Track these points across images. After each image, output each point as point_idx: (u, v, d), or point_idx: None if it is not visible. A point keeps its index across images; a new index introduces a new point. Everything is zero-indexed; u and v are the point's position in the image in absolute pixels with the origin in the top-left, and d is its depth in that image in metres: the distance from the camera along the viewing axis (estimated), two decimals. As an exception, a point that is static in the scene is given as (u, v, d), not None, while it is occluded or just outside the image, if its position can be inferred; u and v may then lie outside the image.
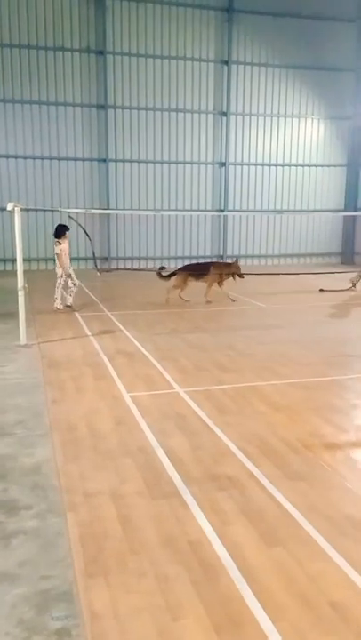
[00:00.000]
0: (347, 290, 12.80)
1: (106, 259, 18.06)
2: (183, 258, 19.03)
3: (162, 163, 18.45)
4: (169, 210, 18.29)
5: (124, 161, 18.14)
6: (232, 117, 18.74)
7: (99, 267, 10.04)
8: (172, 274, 11.33)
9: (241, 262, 19.20)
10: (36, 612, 2.55)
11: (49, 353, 7.30)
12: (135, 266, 17.58)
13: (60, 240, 10.13)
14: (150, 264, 18.59)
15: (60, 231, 10.22)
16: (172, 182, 18.62)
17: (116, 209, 17.93)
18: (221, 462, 4.14)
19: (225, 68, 18.40)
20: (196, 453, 4.29)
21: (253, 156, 19.24)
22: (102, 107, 17.58)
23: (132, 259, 17.81)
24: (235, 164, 19.09)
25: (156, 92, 17.99)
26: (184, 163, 18.66)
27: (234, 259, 12.34)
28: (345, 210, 19.94)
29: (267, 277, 14.83)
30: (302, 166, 19.72)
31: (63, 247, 10.13)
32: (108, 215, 17.79)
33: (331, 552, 3.02)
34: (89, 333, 8.49)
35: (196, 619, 2.52)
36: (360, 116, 19.42)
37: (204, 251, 19.33)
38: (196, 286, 11.28)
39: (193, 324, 9.28)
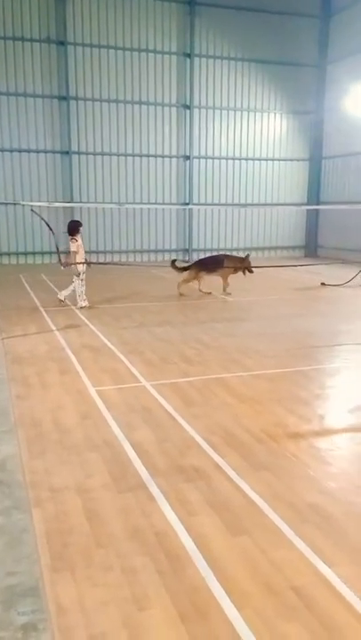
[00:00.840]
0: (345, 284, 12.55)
1: (69, 252, 17.84)
2: (149, 252, 19.03)
3: (125, 155, 18.34)
4: (133, 203, 18.21)
5: (87, 153, 17.96)
6: (196, 110, 18.75)
7: (62, 261, 9.92)
8: (186, 268, 11.48)
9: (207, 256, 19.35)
10: (1, 608, 2.53)
11: (12, 349, 7.19)
12: (100, 260, 17.44)
13: (75, 237, 9.88)
14: (116, 257, 18.50)
15: (74, 227, 9.96)
16: (136, 175, 18.53)
17: (80, 202, 17.74)
18: (187, 454, 4.17)
19: (188, 60, 18.37)
20: (162, 446, 4.30)
21: (217, 149, 19.29)
22: (64, 98, 17.34)
23: (97, 252, 17.64)
24: (199, 158, 19.11)
25: (118, 84, 17.84)
26: (148, 156, 18.58)
27: (246, 254, 12.42)
28: (308, 203, 20.22)
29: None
30: (266, 160, 19.89)
31: (80, 243, 9.90)
32: (72, 208, 17.58)
33: (294, 539, 3.08)
34: (54, 328, 8.40)
35: (161, 609, 2.53)
36: (321, 111, 19.68)
37: (169, 244, 19.33)
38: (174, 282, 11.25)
39: (161, 318, 9.28)
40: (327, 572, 2.79)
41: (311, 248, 20.58)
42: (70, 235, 9.96)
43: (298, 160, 20.28)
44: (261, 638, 2.35)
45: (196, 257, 19.34)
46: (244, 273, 11.64)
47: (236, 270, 11.60)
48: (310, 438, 4.52)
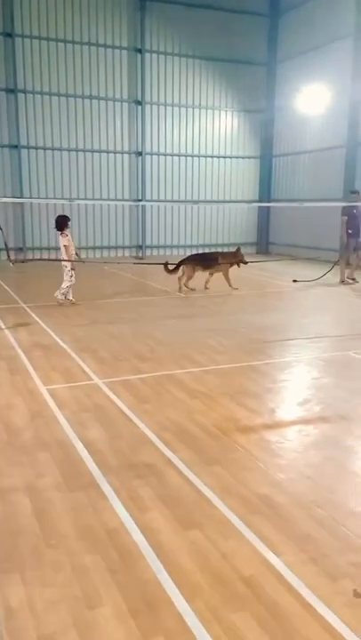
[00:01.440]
0: (317, 279, 12.66)
1: (21, 249, 17.53)
2: (101, 248, 18.87)
3: (76, 151, 18.10)
4: (85, 199, 18.01)
5: (37, 148, 17.62)
6: (147, 106, 18.68)
7: (12, 257, 9.65)
8: (178, 265, 11.50)
9: (160, 253, 19.38)
10: None
11: None
12: (52, 256, 17.16)
13: (65, 232, 9.82)
14: (68, 255, 18.23)
15: (63, 222, 9.86)
16: (87, 171, 18.33)
17: (30, 198, 17.41)
18: (140, 451, 4.17)
19: (139, 56, 18.27)
20: (114, 443, 4.29)
21: (170, 146, 19.30)
22: (12, 91, 16.94)
23: (48, 249, 17.35)
24: (151, 154, 19.07)
25: (68, 78, 17.58)
26: (100, 151, 18.40)
27: (237, 247, 12.50)
28: (260, 201, 20.50)
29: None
30: (218, 157, 20.03)
31: (69, 238, 9.86)
32: (22, 204, 17.24)
33: (244, 530, 3.13)
34: (3, 326, 8.23)
35: (112, 606, 2.54)
36: (272, 110, 19.97)
37: (122, 241, 19.23)
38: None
39: (113, 315, 9.24)
40: (275, 560, 2.86)
41: (263, 245, 20.90)
42: (59, 230, 9.89)
43: (249, 158, 20.53)
44: (210, 629, 2.39)
45: (149, 254, 19.39)
46: (238, 266, 11.95)
47: (231, 265, 11.92)
48: (261, 431, 4.60)
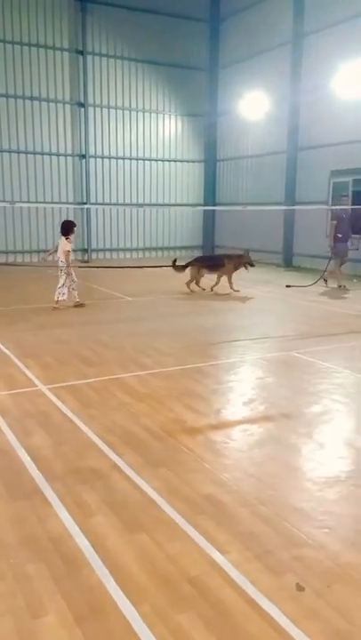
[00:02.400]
0: (312, 285, 12.52)
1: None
2: (46, 251, 18.51)
3: (18, 152, 17.74)
4: (28, 202, 17.67)
5: (-23, 150, 17.18)
6: (90, 109, 18.56)
7: None
8: (185, 266, 11.84)
9: (107, 256, 19.24)
10: None
11: None
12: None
13: (70, 237, 10.09)
14: (11, 258, 17.84)
15: (69, 227, 10.13)
16: (30, 173, 17.99)
17: (-29, 201, 16.94)
18: (85, 455, 4.13)
19: (80, 58, 18.13)
20: (59, 449, 4.23)
21: (114, 149, 19.22)
22: None
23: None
24: (95, 157, 18.94)
25: (8, 79, 17.23)
26: (42, 153, 18.11)
27: (245, 250, 12.64)
28: (205, 204, 20.70)
29: (133, 271, 14.94)
30: (162, 161, 20.11)
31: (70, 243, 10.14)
32: None
33: (190, 531, 3.15)
34: None
35: (57, 613, 2.50)
36: (215, 115, 20.23)
37: (67, 244, 18.97)
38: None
39: (59, 320, 9.10)
40: (221, 559, 2.89)
41: (208, 248, 21.10)
42: (65, 235, 10.10)
43: (193, 162, 20.71)
44: (157, 632, 2.39)
45: (95, 257, 19.21)
46: (246, 268, 12.10)
47: (237, 267, 12.04)
48: (206, 432, 4.65)
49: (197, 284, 12.12)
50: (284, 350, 7.35)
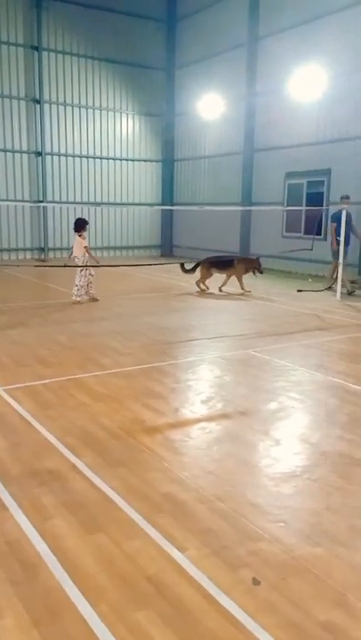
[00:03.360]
0: (324, 290, 12.44)
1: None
2: (1, 250, 18.19)
3: (-28, 149, 17.35)
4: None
5: None
6: (46, 106, 18.30)
7: None
8: (194, 268, 12.11)
9: (64, 255, 18.99)
10: None
11: None
12: None
13: (83, 234, 10.53)
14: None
15: (82, 224, 10.61)
16: (-16, 171, 17.61)
17: None
18: (42, 457, 4.08)
19: (35, 54, 17.85)
20: (15, 451, 4.17)
21: (71, 147, 19.02)
22: None
23: None
24: (52, 155, 18.68)
25: None
26: (-3, 150, 17.76)
27: (256, 256, 12.73)
28: (163, 204, 20.73)
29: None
30: (120, 160, 20.02)
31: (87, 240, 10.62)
32: None
33: (149, 530, 3.17)
34: None
35: (14, 617, 2.47)
36: (172, 115, 20.28)
37: (23, 243, 18.67)
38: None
39: (16, 319, 8.95)
40: (179, 556, 2.92)
41: (167, 248, 21.16)
42: (77, 231, 10.58)
43: (151, 161, 20.70)
44: (115, 630, 2.39)
45: (52, 256, 18.95)
46: (254, 273, 12.28)
47: (247, 270, 12.21)
48: (165, 431, 4.67)
49: (204, 283, 12.32)
50: (241, 349, 7.45)
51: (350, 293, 12.26)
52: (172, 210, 20.43)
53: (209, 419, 4.98)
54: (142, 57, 19.56)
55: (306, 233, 15.08)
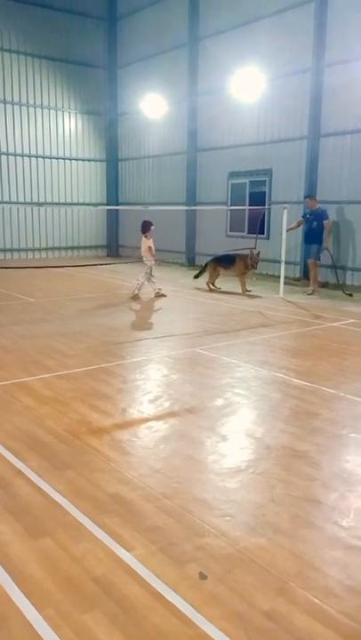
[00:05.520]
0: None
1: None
2: None
3: None
4: None
5: None
6: (-15, 104, 17.83)
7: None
8: (202, 271, 12.48)
9: (7, 257, 18.58)
10: None
11: None
12: None
13: (148, 234, 11.13)
14: None
15: (147, 226, 11.21)
16: None
17: None
18: (-15, 464, 4.00)
19: (-27, 50, 17.37)
20: None
21: (12, 145, 18.60)
22: None
23: None
24: (-8, 154, 18.23)
25: None
26: None
27: (251, 250, 12.24)
28: (108, 204, 20.59)
29: (36, 271, 14.58)
30: (63, 159, 19.74)
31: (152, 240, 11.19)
32: None
33: (96, 531, 3.16)
34: None
35: None
36: (115, 114, 20.16)
37: (-36, 245, 18.12)
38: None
39: None
40: (126, 556, 2.93)
41: (113, 248, 21.04)
42: (143, 232, 11.22)
43: (95, 161, 20.52)
44: (62, 633, 2.38)
45: (-6, 258, 18.50)
46: (249, 268, 12.03)
47: (247, 267, 11.98)
48: (112, 432, 4.66)
49: (213, 283, 12.34)
50: (188, 347, 7.52)
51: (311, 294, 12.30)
52: (117, 210, 20.32)
53: (156, 418, 5.01)
54: (84, 55, 19.37)
55: (249, 232, 15.33)
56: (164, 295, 11.46)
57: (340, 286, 12.49)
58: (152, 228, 11.41)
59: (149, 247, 11.25)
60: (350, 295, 11.92)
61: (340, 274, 12.81)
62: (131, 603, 2.57)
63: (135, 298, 11.26)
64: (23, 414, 4.99)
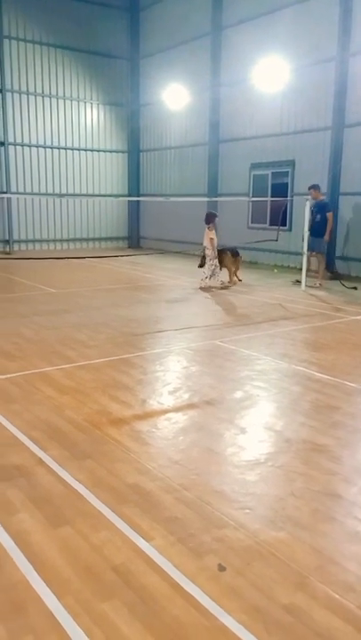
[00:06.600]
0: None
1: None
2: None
3: None
4: None
5: None
6: (9, 94, 17.93)
7: None
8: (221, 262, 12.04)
9: (30, 247, 18.75)
10: None
11: None
12: None
13: (211, 226, 11.25)
14: None
15: (211, 217, 11.37)
16: None
17: None
18: (7, 452, 4.04)
19: (-3, 42, 17.45)
20: (-21, 447, 4.12)
21: (35, 137, 18.69)
22: None
23: None
24: (15, 145, 18.33)
25: None
26: None
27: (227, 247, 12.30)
28: (129, 195, 20.59)
29: (57, 262, 14.69)
30: (85, 150, 19.79)
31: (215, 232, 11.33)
32: None
33: (115, 521, 3.18)
34: None
35: (-22, 613, 2.46)
36: (137, 105, 20.11)
37: (-13, 235, 18.32)
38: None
39: (-24, 314, 8.80)
40: (145, 546, 2.95)
41: (134, 239, 21.05)
42: (207, 223, 11.36)
43: (117, 152, 20.52)
44: (81, 621, 2.41)
45: (17, 248, 18.67)
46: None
47: (232, 261, 12.04)
48: (132, 422, 4.68)
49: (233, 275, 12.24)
50: (208, 339, 7.50)
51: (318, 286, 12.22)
52: (138, 201, 20.31)
53: (175, 409, 5.01)
54: (106, 46, 19.32)
55: (271, 224, 15.20)
56: (228, 286, 11.61)
57: (350, 279, 12.43)
58: (216, 219, 11.47)
59: (211, 239, 11.31)
60: (355, 288, 11.79)
61: (343, 265, 12.78)
62: (149, 593, 2.59)
63: (207, 289, 11.32)
64: (44, 404, 5.04)
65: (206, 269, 11.58)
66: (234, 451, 4.17)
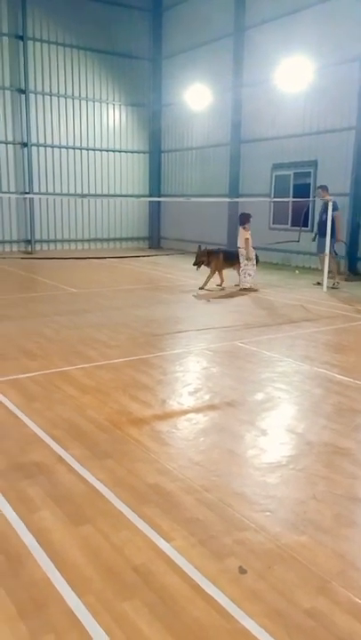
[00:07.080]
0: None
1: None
2: None
3: None
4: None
5: None
6: (32, 96, 18.11)
7: None
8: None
9: (51, 247, 18.92)
10: None
11: None
12: None
13: (246, 226, 11.23)
14: None
15: (245, 218, 11.35)
16: (-31, 162, 17.41)
17: None
18: (29, 450, 4.08)
19: (20, 43, 17.62)
20: (1, 445, 4.16)
21: (57, 137, 18.85)
22: None
23: None
24: (38, 145, 18.51)
25: None
26: (-18, 141, 17.55)
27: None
28: (150, 196, 20.63)
29: (79, 262, 14.79)
30: (107, 151, 19.89)
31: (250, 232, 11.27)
32: None
33: (136, 521, 3.18)
34: None
35: (0, 609, 2.47)
36: (159, 105, 20.14)
37: (10, 235, 18.51)
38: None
39: (0, 312, 8.88)
40: (166, 546, 2.94)
41: (155, 240, 21.09)
42: (241, 224, 11.36)
43: (138, 152, 20.59)
44: (101, 620, 2.41)
45: (39, 248, 18.85)
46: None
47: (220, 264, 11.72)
48: (152, 423, 4.68)
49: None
50: (228, 340, 7.47)
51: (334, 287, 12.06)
52: (159, 202, 20.34)
53: (196, 410, 5.00)
54: (128, 47, 19.40)
55: (293, 225, 15.10)
56: (255, 290, 11.39)
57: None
58: (251, 219, 11.47)
59: (247, 239, 11.25)
60: None
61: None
62: (170, 594, 2.58)
63: (250, 290, 11.30)
64: (65, 403, 5.07)
65: (250, 270, 11.48)
66: (255, 453, 4.14)
